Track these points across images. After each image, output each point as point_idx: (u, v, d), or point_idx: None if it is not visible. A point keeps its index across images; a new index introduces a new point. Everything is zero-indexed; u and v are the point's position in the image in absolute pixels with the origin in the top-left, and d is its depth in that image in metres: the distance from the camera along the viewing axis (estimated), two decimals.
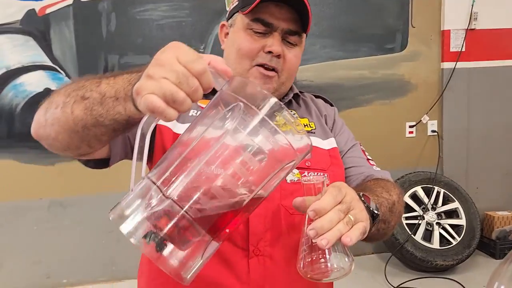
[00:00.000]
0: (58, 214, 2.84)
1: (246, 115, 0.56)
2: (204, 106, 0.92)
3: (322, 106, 1.07)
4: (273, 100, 0.56)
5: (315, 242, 0.60)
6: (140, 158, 0.55)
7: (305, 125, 0.99)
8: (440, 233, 3.02)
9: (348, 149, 1.02)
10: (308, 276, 0.65)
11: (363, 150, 1.05)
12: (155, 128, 0.87)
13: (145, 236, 0.51)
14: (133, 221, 0.52)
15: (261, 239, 0.85)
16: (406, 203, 3.05)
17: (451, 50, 3.23)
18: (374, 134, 3.08)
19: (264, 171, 0.55)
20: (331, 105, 1.11)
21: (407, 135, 3.29)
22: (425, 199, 3.09)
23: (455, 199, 3.13)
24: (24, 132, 2.71)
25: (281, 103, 0.56)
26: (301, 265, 0.65)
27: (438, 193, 3.12)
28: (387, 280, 2.81)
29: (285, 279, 0.86)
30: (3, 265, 2.79)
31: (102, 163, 0.88)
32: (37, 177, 2.79)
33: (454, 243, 2.98)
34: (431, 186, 3.12)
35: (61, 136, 0.71)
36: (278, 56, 0.92)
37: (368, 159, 1.02)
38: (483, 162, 3.37)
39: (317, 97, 1.10)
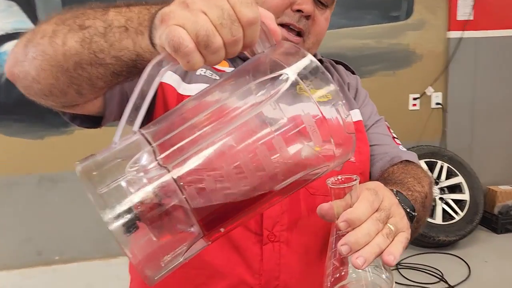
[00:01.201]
0: (49, 190, 2.72)
1: (292, 92, 0.43)
2: (219, 68, 0.80)
3: (344, 73, 0.94)
4: (334, 88, 0.43)
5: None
6: (136, 108, 0.42)
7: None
8: (443, 208, 2.95)
9: (372, 124, 0.90)
10: None
11: (388, 127, 0.93)
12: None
13: (130, 207, 0.38)
14: (106, 182, 0.38)
15: (277, 223, 0.73)
16: None
17: (458, 18, 3.08)
18: (377, 107, 2.96)
19: (297, 166, 0.43)
20: (353, 72, 0.98)
21: (411, 107, 3.18)
22: (428, 174, 3.01)
23: (458, 173, 3.05)
24: (9, 104, 2.56)
25: (341, 97, 0.44)
26: (328, 283, 0.54)
27: (441, 167, 3.04)
28: None
29: (303, 269, 0.75)
30: None
31: (92, 122, 0.73)
32: (25, 151, 2.65)
33: (457, 218, 2.91)
34: (435, 160, 3.03)
35: (44, 75, 0.56)
36: (308, 17, 0.78)
37: (393, 137, 0.91)
38: (488, 136, 3.28)
39: (337, 63, 0.97)
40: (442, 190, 3.01)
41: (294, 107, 0.44)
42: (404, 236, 0.51)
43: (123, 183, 0.38)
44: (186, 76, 0.75)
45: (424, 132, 3.22)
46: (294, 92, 0.43)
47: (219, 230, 0.42)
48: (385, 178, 0.76)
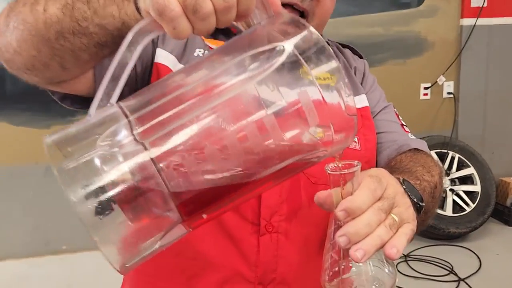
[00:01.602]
0: (56, 180, 2.71)
1: (288, 68, 0.40)
2: (214, 47, 0.76)
3: (351, 57, 0.90)
4: (336, 65, 0.40)
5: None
6: (114, 79, 0.39)
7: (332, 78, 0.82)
8: (453, 200, 2.90)
9: (380, 111, 0.86)
10: None
11: (396, 114, 0.89)
12: (151, 65, 0.70)
13: (101, 186, 0.35)
14: (74, 156, 0.35)
15: (275, 213, 0.70)
16: None
17: (472, 5, 2.99)
18: (387, 96, 2.89)
19: (291, 150, 0.39)
20: (360, 56, 0.94)
21: (422, 97, 3.11)
22: (438, 163, 2.95)
23: (470, 164, 2.98)
24: (15, 93, 2.55)
25: (344, 75, 0.40)
26: (326, 278, 0.50)
27: (452, 158, 2.97)
28: None
29: (302, 262, 0.72)
30: (0, 232, 2.70)
31: (84, 102, 0.68)
32: (32, 140, 2.64)
33: (468, 210, 2.86)
34: (446, 151, 2.97)
35: (25, 46, 0.52)
36: None
37: (402, 125, 0.86)
38: (501, 126, 3.20)
39: (344, 46, 0.93)
40: (453, 181, 2.95)
41: (295, 91, 0.40)
42: (409, 228, 0.47)
43: (94, 159, 0.34)
44: (183, 57, 0.72)
45: (435, 122, 3.16)
46: (297, 75, 0.40)
47: (201, 216, 0.39)
48: (392, 167, 0.72)
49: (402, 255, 2.63)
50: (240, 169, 0.37)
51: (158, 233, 0.37)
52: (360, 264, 0.47)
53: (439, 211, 2.82)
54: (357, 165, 0.48)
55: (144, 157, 0.35)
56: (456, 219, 2.81)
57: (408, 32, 3.01)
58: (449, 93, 3.12)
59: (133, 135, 0.36)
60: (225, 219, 0.68)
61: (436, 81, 3.10)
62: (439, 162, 0.80)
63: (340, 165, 0.48)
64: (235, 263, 0.69)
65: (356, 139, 0.76)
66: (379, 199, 0.46)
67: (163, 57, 0.71)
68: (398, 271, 2.48)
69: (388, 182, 0.49)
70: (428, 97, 3.12)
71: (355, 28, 2.93)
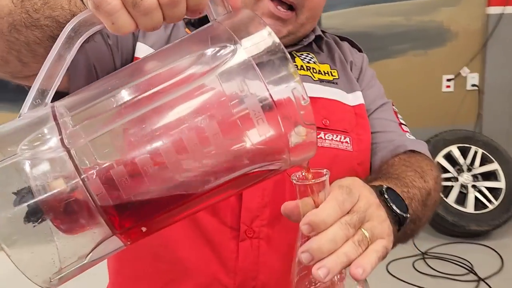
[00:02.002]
0: None
1: (240, 69, 0.36)
2: None
3: (348, 50, 0.84)
4: (293, 70, 0.36)
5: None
6: (50, 76, 0.36)
7: (325, 73, 0.77)
8: (475, 197, 2.79)
9: (377, 108, 0.80)
10: None
11: (395, 112, 0.83)
12: (131, 59, 0.67)
13: (17, 192, 0.32)
14: (4, 157, 0.32)
15: (256, 217, 0.66)
16: (439, 164, 2.82)
17: None
18: (407, 89, 2.82)
19: (236, 160, 0.35)
20: (359, 50, 0.88)
21: (444, 89, 2.99)
22: (461, 160, 2.84)
23: (494, 160, 2.86)
24: None
25: (300, 80, 0.37)
26: None
27: (475, 153, 2.86)
28: (414, 245, 2.63)
29: (285, 270, 0.67)
30: None
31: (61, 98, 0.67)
32: None
33: (491, 207, 2.74)
34: (468, 145, 2.86)
35: None
36: None
37: (400, 124, 0.81)
38: None
39: (342, 39, 0.87)
40: (475, 177, 2.84)
41: (243, 96, 0.36)
42: (381, 245, 0.43)
43: (13, 164, 0.32)
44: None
45: (458, 115, 3.04)
46: (249, 77, 0.36)
47: (140, 229, 0.35)
48: (381, 171, 0.67)
49: (419, 252, 2.56)
50: (180, 179, 0.34)
51: (87, 247, 0.33)
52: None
53: (460, 208, 2.73)
54: (325, 174, 0.44)
55: (66, 165, 0.32)
56: (477, 216, 2.71)
57: (430, 22, 2.90)
58: (473, 85, 3.00)
59: (61, 139, 0.32)
60: (203, 222, 0.65)
61: (459, 73, 2.97)
62: (438, 167, 0.74)
63: (305, 174, 0.44)
64: (213, 269, 0.66)
65: (348, 140, 0.72)
66: (348, 213, 0.42)
67: (143, 51, 0.69)
68: (415, 268, 2.42)
69: (360, 193, 0.44)
70: (451, 89, 3.00)
71: (374, 18, 2.84)
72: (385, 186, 0.53)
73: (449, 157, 2.86)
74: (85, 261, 0.34)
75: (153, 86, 0.35)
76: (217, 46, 0.37)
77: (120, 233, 0.34)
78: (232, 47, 0.37)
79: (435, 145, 2.82)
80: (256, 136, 0.34)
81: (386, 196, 0.51)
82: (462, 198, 2.80)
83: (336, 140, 0.71)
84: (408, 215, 0.52)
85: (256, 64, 0.36)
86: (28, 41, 0.49)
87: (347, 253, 0.40)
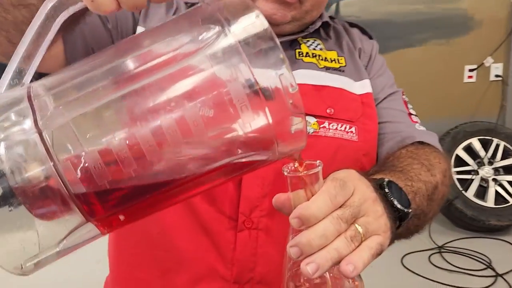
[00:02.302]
0: None
1: (226, 54, 0.34)
2: None
3: (357, 37, 0.81)
4: (282, 56, 0.34)
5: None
6: (28, 56, 0.35)
7: (332, 60, 0.74)
8: (496, 191, 2.72)
9: (385, 98, 0.77)
10: None
11: (405, 101, 0.79)
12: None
13: None
14: None
15: (256, 207, 0.64)
16: (459, 156, 2.75)
17: None
18: (427, 79, 2.75)
19: (218, 149, 0.34)
20: (370, 37, 0.85)
21: (466, 80, 2.91)
22: (482, 152, 2.77)
23: None
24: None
25: (289, 66, 0.34)
26: None
27: (497, 146, 2.78)
28: (431, 238, 2.59)
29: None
30: None
31: None
32: None
33: None
34: (490, 138, 2.78)
35: None
36: None
37: (410, 114, 0.77)
38: None
39: (352, 25, 0.84)
40: (496, 170, 2.76)
41: (228, 81, 0.34)
42: (376, 241, 0.41)
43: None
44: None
45: (480, 107, 2.95)
46: (234, 62, 0.34)
47: (117, 217, 0.34)
48: (386, 163, 0.65)
49: (436, 246, 2.51)
50: (158, 167, 0.32)
51: (60, 234, 0.32)
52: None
53: (480, 202, 2.67)
54: (318, 166, 0.42)
55: (37, 148, 0.30)
56: (498, 211, 2.64)
57: (453, 10, 2.81)
58: (497, 75, 2.91)
59: (34, 120, 0.31)
60: (200, 211, 0.64)
61: (483, 63, 2.88)
62: (447, 160, 0.71)
63: (296, 166, 0.42)
64: (210, 259, 0.65)
65: (353, 129, 0.69)
66: (340, 207, 0.40)
67: None
68: (431, 262, 2.38)
69: (355, 187, 0.42)
70: (473, 79, 2.91)
71: (394, 5, 2.76)
72: (387, 180, 0.50)
73: (469, 150, 2.79)
74: (59, 249, 0.33)
75: (135, 67, 0.33)
76: (203, 28, 0.36)
77: (96, 220, 0.33)
78: (218, 29, 0.35)
79: (455, 136, 2.76)
80: (239, 124, 0.32)
81: (386, 190, 0.48)
82: (482, 192, 2.73)
83: (341, 130, 0.68)
84: (410, 210, 0.50)
85: (243, 49, 0.34)
86: (16, 21, 0.49)
87: (338, 249, 0.38)
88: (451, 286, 2.15)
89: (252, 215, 0.64)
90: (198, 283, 0.65)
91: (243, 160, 0.34)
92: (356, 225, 0.40)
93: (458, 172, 2.74)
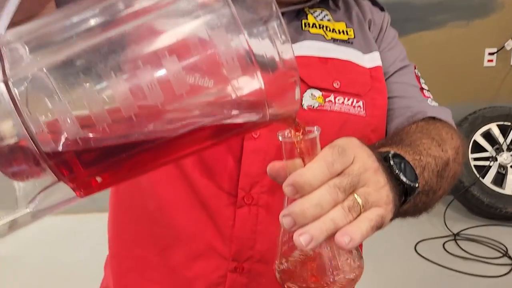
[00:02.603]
0: None
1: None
2: None
3: (368, 8, 0.77)
4: (275, 9, 0.31)
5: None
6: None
7: (340, 32, 0.71)
8: None
9: (396, 71, 0.73)
10: (286, 286, 0.41)
11: (417, 76, 0.75)
12: None
13: None
14: None
15: (256, 183, 0.62)
16: (476, 142, 2.68)
17: None
18: (446, 63, 2.68)
19: (202, 107, 0.31)
20: (382, 9, 0.81)
21: (486, 64, 2.82)
22: (500, 138, 2.69)
23: None
24: None
25: (282, 19, 0.31)
26: (277, 266, 0.43)
27: None
28: (446, 226, 2.54)
29: None
30: None
31: None
32: None
33: None
34: (509, 123, 2.70)
35: None
36: None
37: (422, 89, 0.73)
38: None
39: None
40: None
41: (210, 34, 0.31)
42: (376, 213, 0.38)
43: None
44: None
45: (500, 91, 2.86)
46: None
47: (94, 179, 0.32)
48: (393, 137, 0.61)
49: (451, 234, 2.46)
50: (136, 126, 0.30)
51: (30, 194, 0.30)
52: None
53: (497, 189, 2.60)
54: (316, 131, 0.39)
55: (4, 99, 0.28)
56: None
57: None
58: None
59: (2, 69, 0.29)
60: (199, 186, 0.62)
61: (504, 46, 2.78)
62: (461, 136, 0.67)
63: (291, 132, 0.39)
64: (208, 236, 0.62)
65: (361, 104, 0.66)
66: (338, 175, 0.37)
67: None
68: (446, 250, 2.33)
69: (356, 155, 0.39)
70: (493, 63, 2.82)
71: None
72: (392, 152, 0.47)
73: (487, 136, 2.71)
74: (30, 210, 0.31)
75: (115, 16, 0.31)
76: None
77: (70, 181, 0.30)
78: None
79: (473, 122, 2.68)
80: (224, 78, 0.30)
81: (392, 163, 0.45)
82: (500, 179, 2.67)
83: (348, 104, 0.65)
84: (417, 185, 0.47)
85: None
86: None
87: (334, 220, 0.36)
88: (466, 273, 2.11)
89: (252, 191, 0.61)
90: (196, 260, 0.63)
91: (229, 121, 0.32)
92: (355, 195, 0.37)
93: (476, 159, 2.68)
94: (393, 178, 0.44)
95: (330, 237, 0.36)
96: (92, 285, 0.77)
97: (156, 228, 0.65)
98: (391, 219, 0.42)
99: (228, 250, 0.62)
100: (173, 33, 0.30)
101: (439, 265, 2.21)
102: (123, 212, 0.69)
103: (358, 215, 0.37)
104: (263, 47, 0.31)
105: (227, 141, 0.35)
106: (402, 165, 0.47)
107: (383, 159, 0.46)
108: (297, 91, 0.32)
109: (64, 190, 0.31)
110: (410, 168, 0.47)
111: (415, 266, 2.23)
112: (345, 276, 0.39)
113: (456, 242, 2.42)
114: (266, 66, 0.31)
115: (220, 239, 0.62)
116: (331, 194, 0.36)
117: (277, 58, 0.31)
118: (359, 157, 0.39)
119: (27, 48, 0.31)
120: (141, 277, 0.68)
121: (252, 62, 0.30)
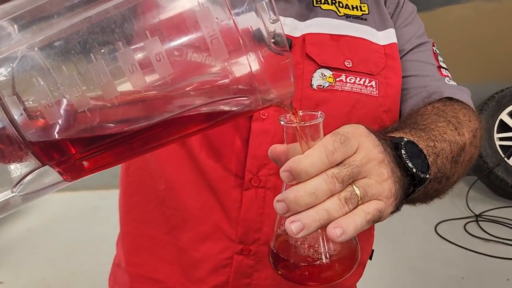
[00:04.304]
0: None
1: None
2: None
3: None
4: None
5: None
6: None
7: (353, 7, 0.67)
8: None
9: (412, 49, 0.69)
10: (279, 272, 0.40)
11: (435, 53, 0.71)
12: None
13: None
14: None
15: (264, 165, 0.60)
16: (503, 122, 2.59)
17: None
18: (474, 38, 2.57)
19: (186, 89, 0.29)
20: None
21: None
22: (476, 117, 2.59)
23: None
24: None
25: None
26: (271, 251, 0.42)
27: None
28: (468, 207, 2.49)
29: None
30: None
31: None
32: None
33: None
34: None
35: None
36: None
37: (440, 67, 0.69)
38: None
39: None
40: None
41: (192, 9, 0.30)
42: (374, 207, 0.37)
43: None
44: None
45: None
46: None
47: (81, 164, 0.31)
48: (407, 120, 0.59)
49: (473, 215, 2.42)
50: (119, 110, 0.29)
51: (14, 178, 0.30)
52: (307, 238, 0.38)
53: None
54: (320, 117, 0.38)
55: None
56: None
57: None
58: None
59: None
60: (206, 168, 0.61)
61: None
62: (478, 118, 0.63)
63: (289, 116, 0.38)
64: (215, 217, 0.62)
65: (373, 84, 0.63)
66: (338, 164, 0.36)
67: None
68: (467, 231, 2.29)
69: (360, 145, 0.37)
70: None
71: None
72: (405, 139, 0.45)
73: None
74: (14, 194, 0.31)
75: None
76: None
77: (57, 165, 0.30)
78: None
79: (500, 101, 2.59)
80: (210, 59, 0.28)
81: (403, 152, 0.43)
82: None
83: (359, 84, 0.62)
84: (428, 176, 0.45)
85: None
86: None
87: (328, 210, 0.35)
88: (487, 255, 2.08)
89: (260, 173, 0.60)
90: (203, 242, 0.63)
91: (217, 106, 0.30)
92: (354, 186, 0.36)
93: (501, 138, 2.59)
94: (402, 168, 0.43)
95: (324, 227, 0.35)
96: (112, 259, 0.80)
97: (165, 209, 0.65)
98: (393, 212, 0.41)
99: (235, 232, 0.62)
100: (158, 12, 0.29)
101: (459, 246, 2.17)
102: (133, 193, 0.69)
103: (355, 207, 0.36)
104: (252, 25, 0.29)
105: (218, 127, 0.33)
106: (414, 153, 0.45)
107: (394, 147, 0.44)
108: (291, 74, 0.31)
109: (49, 174, 0.31)
110: (422, 157, 0.45)
111: (435, 246, 2.20)
112: (338, 267, 0.38)
113: (478, 223, 2.37)
114: (255, 47, 0.29)
115: (227, 221, 0.62)
116: (327, 183, 0.35)
117: (267, 40, 0.30)
118: (364, 147, 0.38)
119: (15, 26, 0.30)
120: (151, 256, 0.69)
121: (239, 43, 0.29)
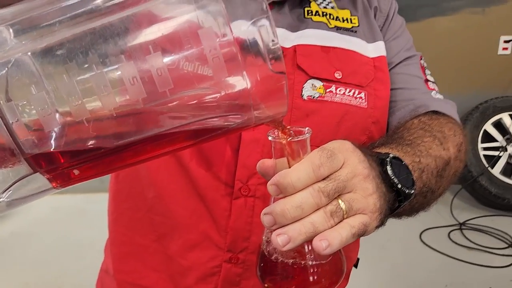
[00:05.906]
0: None
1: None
2: None
3: None
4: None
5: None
6: None
7: (344, 20, 0.69)
8: None
9: (400, 62, 0.71)
10: (266, 285, 0.41)
11: (422, 67, 0.73)
12: None
13: None
14: None
15: (254, 175, 0.61)
16: (487, 132, 2.64)
17: None
18: (459, 50, 2.62)
19: (183, 106, 0.30)
20: None
21: (500, 51, 2.76)
22: (511, 129, 2.65)
23: None
24: None
25: (269, 14, 0.30)
26: (258, 264, 0.42)
27: None
28: (453, 215, 2.53)
29: None
30: None
31: None
32: None
33: None
34: None
35: None
36: None
37: (427, 80, 0.71)
38: None
39: None
40: None
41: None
42: (359, 220, 0.38)
43: None
44: None
45: None
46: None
47: (71, 172, 0.31)
48: (393, 134, 0.60)
49: (457, 223, 2.45)
50: (114, 122, 0.29)
51: (4, 183, 0.30)
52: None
53: (506, 180, 2.57)
54: (306, 133, 0.39)
55: None
56: None
57: None
58: None
59: None
60: (196, 176, 0.61)
61: None
62: (464, 132, 0.65)
63: (277, 133, 0.39)
64: (204, 226, 0.62)
65: (362, 95, 0.65)
66: (324, 179, 0.37)
67: None
68: (451, 239, 2.32)
69: (346, 160, 0.39)
70: (508, 51, 2.76)
71: None
72: (391, 155, 0.46)
73: (498, 125, 2.67)
74: (2, 199, 0.31)
75: (99, 4, 0.30)
76: None
77: (47, 172, 0.30)
78: None
79: (484, 111, 2.64)
80: (209, 78, 0.29)
81: (388, 168, 0.44)
82: (509, 170, 2.64)
83: (349, 95, 0.64)
84: (413, 191, 0.46)
85: None
86: None
87: (314, 223, 0.36)
88: (470, 263, 2.11)
89: (249, 182, 0.61)
90: (192, 250, 0.63)
91: (211, 122, 0.31)
92: (339, 200, 0.37)
93: (485, 148, 2.64)
94: (387, 183, 0.44)
95: (311, 240, 0.36)
96: (100, 263, 0.79)
97: (154, 216, 0.65)
98: (378, 226, 0.42)
99: (224, 240, 0.62)
100: (159, 27, 0.29)
101: (443, 254, 2.20)
102: (122, 199, 0.69)
103: (341, 221, 0.37)
104: (251, 46, 0.30)
105: (209, 142, 0.34)
106: (399, 170, 0.46)
107: (380, 163, 0.45)
108: (285, 94, 0.32)
109: (40, 180, 0.31)
110: (407, 173, 0.47)
111: (419, 254, 2.23)
112: (325, 280, 0.39)
113: (462, 232, 2.41)
114: (253, 66, 0.30)
115: (215, 230, 0.62)
116: (314, 197, 0.36)
117: (265, 60, 0.30)
118: (349, 162, 0.39)
119: (11, 31, 0.30)
120: (139, 263, 0.69)
121: (238, 62, 0.29)
